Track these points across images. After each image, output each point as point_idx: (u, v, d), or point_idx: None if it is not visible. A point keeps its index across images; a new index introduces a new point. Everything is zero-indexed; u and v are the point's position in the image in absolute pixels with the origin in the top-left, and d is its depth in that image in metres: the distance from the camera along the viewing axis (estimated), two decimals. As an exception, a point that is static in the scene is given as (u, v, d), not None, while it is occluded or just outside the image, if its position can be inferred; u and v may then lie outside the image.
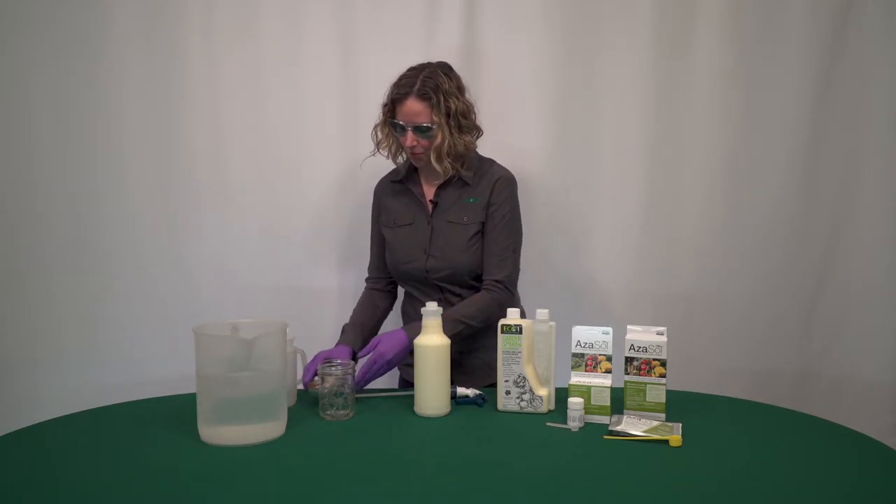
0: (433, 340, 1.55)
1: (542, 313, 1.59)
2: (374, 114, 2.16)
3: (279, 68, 2.15)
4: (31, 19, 2.06)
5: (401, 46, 2.15)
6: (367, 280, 1.97)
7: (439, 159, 1.74)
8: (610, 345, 1.54)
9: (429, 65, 1.77)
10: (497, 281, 1.76)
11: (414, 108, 1.70)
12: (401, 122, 1.73)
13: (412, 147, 1.74)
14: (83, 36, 2.08)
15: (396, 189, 1.88)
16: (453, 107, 1.72)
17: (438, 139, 1.72)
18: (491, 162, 1.86)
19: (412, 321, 1.67)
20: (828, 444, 1.41)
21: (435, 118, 1.71)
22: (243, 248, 2.20)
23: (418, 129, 1.72)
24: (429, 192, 1.84)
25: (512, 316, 1.58)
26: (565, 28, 2.16)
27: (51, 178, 2.12)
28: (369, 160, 2.16)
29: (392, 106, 1.75)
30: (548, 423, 1.49)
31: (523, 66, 2.13)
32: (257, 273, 2.21)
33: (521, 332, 1.55)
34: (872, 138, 2.19)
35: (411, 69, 1.76)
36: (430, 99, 1.70)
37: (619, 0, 2.15)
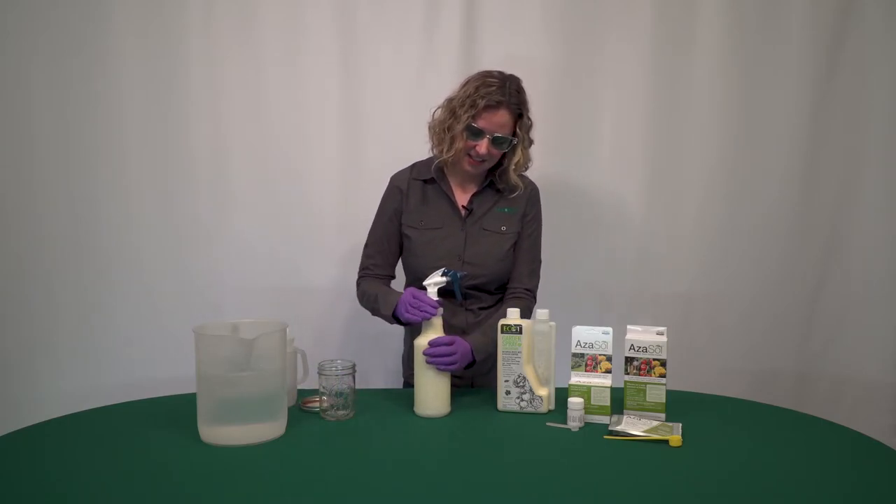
0: (433, 340, 1.55)
1: (542, 313, 1.59)
2: (375, 114, 2.18)
3: (279, 68, 2.15)
4: (31, 19, 2.06)
5: (401, 46, 2.15)
6: (366, 273, 1.81)
7: (516, 173, 1.74)
8: (610, 345, 1.54)
9: (508, 76, 1.70)
10: (528, 289, 1.78)
11: (503, 118, 1.66)
12: (480, 128, 1.66)
13: (482, 155, 1.68)
14: (83, 36, 2.08)
15: (424, 189, 1.79)
16: (530, 123, 1.73)
17: (518, 154, 1.72)
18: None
19: (416, 331, 1.64)
20: (828, 444, 1.41)
21: (518, 132, 1.70)
22: (243, 248, 2.21)
23: (497, 140, 1.67)
24: (461, 197, 1.79)
25: (512, 316, 1.58)
26: (565, 29, 2.16)
27: (51, 178, 2.12)
28: (371, 158, 2.17)
29: (478, 110, 1.65)
30: (548, 423, 1.49)
31: (523, 66, 2.13)
32: (257, 273, 2.21)
33: (521, 333, 1.55)
34: (872, 138, 2.19)
35: (491, 76, 1.68)
36: (519, 113, 1.69)
37: (620, 2, 2.15)
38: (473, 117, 1.66)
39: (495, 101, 1.65)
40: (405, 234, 1.78)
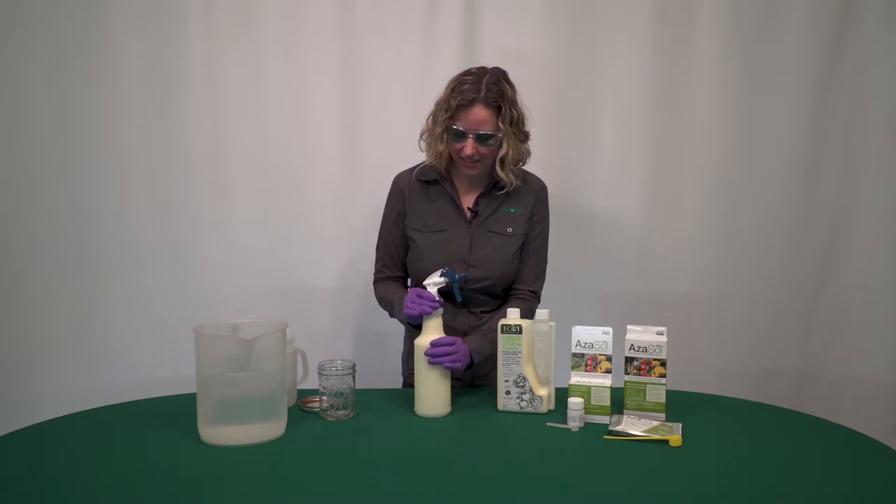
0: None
1: (542, 313, 1.59)
2: (375, 114, 2.18)
3: (279, 68, 2.15)
4: (31, 20, 2.06)
5: (401, 46, 2.16)
6: (380, 276, 1.82)
7: (504, 169, 1.68)
8: (610, 345, 1.54)
9: (488, 70, 1.67)
10: (532, 291, 1.77)
11: (480, 115, 1.61)
12: (461, 129, 1.62)
13: (470, 155, 1.63)
14: (83, 36, 2.08)
15: (428, 191, 1.76)
16: (515, 115, 1.66)
17: (505, 148, 1.66)
18: (523, 170, 1.78)
19: (417, 331, 1.64)
20: (828, 444, 1.41)
21: (501, 126, 1.64)
22: (243, 248, 2.21)
23: (481, 138, 1.62)
24: (466, 199, 1.75)
25: (512, 316, 1.58)
26: (565, 29, 2.17)
27: (51, 177, 2.12)
28: (371, 157, 2.17)
29: (453, 112, 1.62)
30: (548, 423, 1.49)
31: (523, 66, 2.13)
32: (257, 273, 2.21)
33: (521, 333, 1.55)
34: (872, 138, 2.20)
35: (469, 73, 1.65)
36: (498, 107, 1.63)
37: (620, 1, 2.15)
38: (451, 119, 1.63)
39: (468, 99, 1.61)
40: (409, 236, 1.76)
